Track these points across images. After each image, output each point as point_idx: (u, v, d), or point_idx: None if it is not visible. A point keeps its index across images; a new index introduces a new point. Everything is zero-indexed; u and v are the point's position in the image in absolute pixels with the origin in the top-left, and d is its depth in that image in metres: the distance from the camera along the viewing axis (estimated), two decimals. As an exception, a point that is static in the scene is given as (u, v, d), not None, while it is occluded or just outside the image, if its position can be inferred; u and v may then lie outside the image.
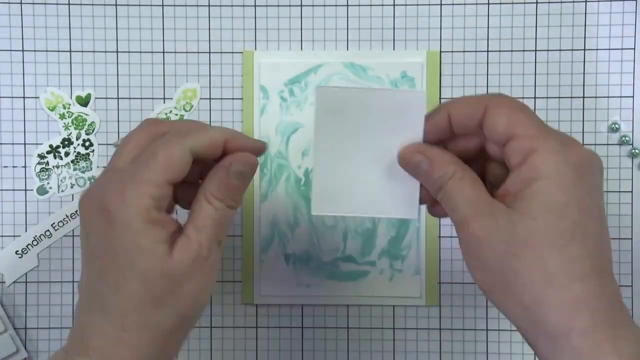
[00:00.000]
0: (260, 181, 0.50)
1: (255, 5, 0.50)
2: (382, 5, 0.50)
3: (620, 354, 0.34)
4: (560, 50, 0.49)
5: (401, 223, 0.50)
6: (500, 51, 0.49)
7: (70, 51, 0.50)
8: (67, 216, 0.50)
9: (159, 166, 0.38)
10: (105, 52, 0.50)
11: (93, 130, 0.50)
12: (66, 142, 0.50)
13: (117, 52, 0.50)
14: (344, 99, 0.45)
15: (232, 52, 0.50)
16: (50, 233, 0.50)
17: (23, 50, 0.50)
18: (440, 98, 0.49)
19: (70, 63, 0.50)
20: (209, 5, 0.50)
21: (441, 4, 0.49)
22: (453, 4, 0.49)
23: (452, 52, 0.50)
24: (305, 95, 0.50)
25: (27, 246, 0.50)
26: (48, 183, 0.50)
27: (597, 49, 0.49)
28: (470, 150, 0.40)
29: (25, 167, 0.50)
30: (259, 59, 0.50)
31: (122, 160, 0.39)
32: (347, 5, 0.50)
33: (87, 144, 0.50)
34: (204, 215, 0.39)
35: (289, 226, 0.50)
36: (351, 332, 0.51)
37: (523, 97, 0.49)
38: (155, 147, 0.39)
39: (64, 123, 0.50)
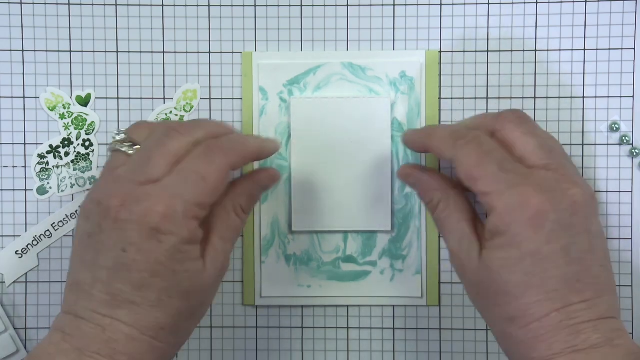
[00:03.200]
0: None
1: (255, 5, 0.50)
2: (382, 5, 0.50)
3: None
4: (560, 50, 0.49)
5: (401, 222, 0.50)
6: (500, 51, 0.49)
7: (70, 51, 0.50)
8: (67, 216, 0.50)
9: (208, 189, 0.39)
10: (105, 52, 0.50)
11: (93, 130, 0.50)
12: (66, 142, 0.50)
13: (117, 52, 0.50)
14: (316, 109, 0.49)
15: (232, 52, 0.50)
16: (50, 233, 0.50)
17: (23, 50, 0.50)
18: (440, 98, 0.49)
19: (70, 63, 0.50)
20: (209, 5, 0.50)
21: (441, 4, 0.49)
22: (453, 4, 0.49)
23: (452, 52, 0.50)
24: (305, 97, 0.50)
25: (27, 246, 0.50)
26: (48, 183, 0.50)
27: (597, 49, 0.49)
28: None
29: (25, 167, 0.50)
30: (258, 60, 0.50)
31: (160, 170, 0.39)
32: (347, 5, 0.50)
33: (87, 144, 0.50)
34: (232, 227, 0.42)
35: (290, 227, 0.50)
36: (351, 332, 0.51)
37: (523, 97, 0.49)
38: (200, 165, 0.39)
39: (64, 123, 0.50)
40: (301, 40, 0.50)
